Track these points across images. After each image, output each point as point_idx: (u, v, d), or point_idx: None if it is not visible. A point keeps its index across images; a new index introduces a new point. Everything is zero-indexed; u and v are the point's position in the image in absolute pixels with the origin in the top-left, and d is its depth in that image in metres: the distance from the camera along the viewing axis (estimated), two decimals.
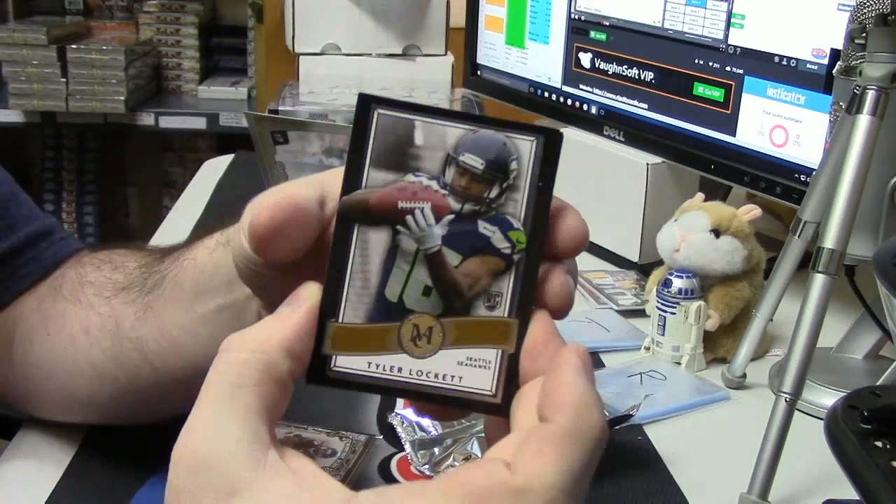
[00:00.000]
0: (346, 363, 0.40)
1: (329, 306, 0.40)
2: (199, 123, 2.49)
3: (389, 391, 0.40)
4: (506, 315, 0.40)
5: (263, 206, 0.40)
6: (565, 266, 0.41)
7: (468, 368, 0.40)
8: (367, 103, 0.41)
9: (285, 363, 0.37)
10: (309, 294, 0.39)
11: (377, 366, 0.40)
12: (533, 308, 0.41)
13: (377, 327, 0.40)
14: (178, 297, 0.58)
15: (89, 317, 0.63)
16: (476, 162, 0.41)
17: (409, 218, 0.40)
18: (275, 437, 0.36)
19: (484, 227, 0.41)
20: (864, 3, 0.70)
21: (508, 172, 0.41)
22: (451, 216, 0.41)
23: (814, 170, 0.78)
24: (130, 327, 0.61)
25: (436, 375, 0.40)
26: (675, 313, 0.84)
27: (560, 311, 0.41)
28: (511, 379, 0.40)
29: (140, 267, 0.63)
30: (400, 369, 0.40)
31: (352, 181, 0.40)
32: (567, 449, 0.35)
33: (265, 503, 0.34)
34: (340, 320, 0.40)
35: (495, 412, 0.40)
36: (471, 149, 0.41)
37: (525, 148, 0.41)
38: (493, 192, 0.41)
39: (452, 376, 0.40)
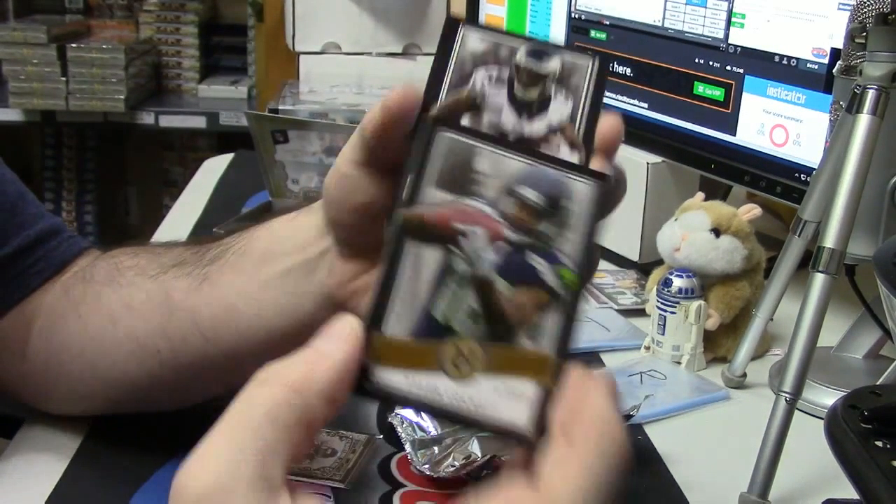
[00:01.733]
0: (385, 376, 0.39)
1: (375, 316, 0.40)
2: (199, 122, 2.49)
3: (427, 409, 0.40)
4: (547, 350, 0.40)
5: (395, 91, 0.45)
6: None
7: (506, 399, 0.40)
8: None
9: (322, 409, 0.36)
10: (349, 331, 0.38)
11: (415, 383, 0.39)
12: (572, 348, 0.41)
13: (419, 344, 0.40)
14: (241, 266, 0.59)
15: (132, 294, 0.63)
16: (534, 196, 0.41)
17: (462, 239, 0.41)
18: (287, 481, 0.34)
19: (535, 261, 0.41)
20: (865, 3, 0.69)
21: (564, 211, 0.42)
22: (505, 245, 0.41)
23: (814, 169, 0.78)
24: (183, 298, 0.61)
25: (473, 402, 0.40)
26: (675, 313, 0.84)
27: (611, 145, 0.45)
28: (546, 415, 0.39)
29: (191, 247, 0.63)
30: (438, 390, 0.39)
31: (411, 193, 0.41)
32: (591, 460, 0.35)
33: None
34: (384, 332, 0.40)
35: (528, 446, 0.40)
36: (530, 182, 0.41)
37: (583, 191, 0.42)
38: (548, 228, 0.41)
39: (489, 405, 0.40)
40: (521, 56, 0.45)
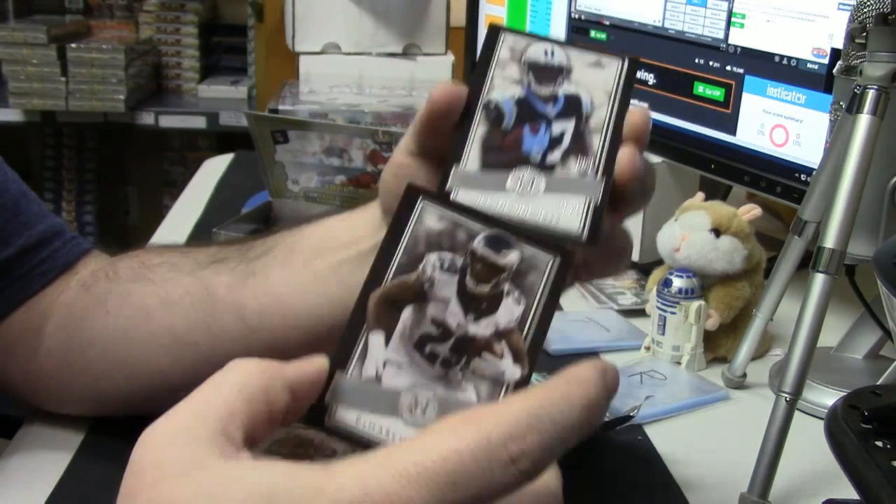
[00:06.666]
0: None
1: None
2: (199, 123, 2.49)
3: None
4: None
5: (439, 87, 0.48)
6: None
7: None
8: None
9: (283, 397, 0.38)
10: (321, 361, 0.40)
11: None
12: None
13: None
14: (291, 261, 0.60)
15: (168, 290, 0.63)
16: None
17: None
18: (249, 448, 0.36)
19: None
20: (865, 3, 0.69)
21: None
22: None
23: (814, 169, 0.78)
24: (227, 292, 0.62)
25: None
26: (675, 313, 0.84)
27: (625, 179, 0.52)
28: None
29: (228, 246, 0.65)
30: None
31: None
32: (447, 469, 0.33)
33: (233, 479, 0.34)
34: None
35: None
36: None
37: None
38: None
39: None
40: (478, 243, 0.42)
